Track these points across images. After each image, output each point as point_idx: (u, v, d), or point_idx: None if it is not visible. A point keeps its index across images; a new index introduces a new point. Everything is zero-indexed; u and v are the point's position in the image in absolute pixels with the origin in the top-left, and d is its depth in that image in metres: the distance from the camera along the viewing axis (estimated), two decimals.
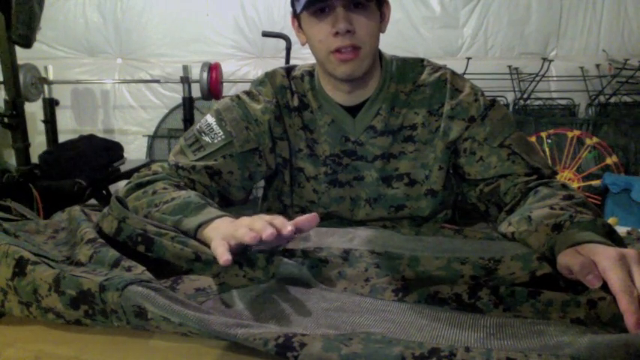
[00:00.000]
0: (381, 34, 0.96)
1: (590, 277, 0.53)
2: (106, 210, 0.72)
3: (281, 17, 3.68)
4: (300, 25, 0.97)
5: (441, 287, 0.59)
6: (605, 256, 0.54)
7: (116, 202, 0.70)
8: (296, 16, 0.97)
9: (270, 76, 1.04)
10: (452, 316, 0.55)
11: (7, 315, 0.60)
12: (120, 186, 3.01)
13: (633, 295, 0.49)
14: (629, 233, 0.82)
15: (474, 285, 0.59)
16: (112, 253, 0.63)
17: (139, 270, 0.61)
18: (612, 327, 0.50)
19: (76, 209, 0.78)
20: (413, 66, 1.02)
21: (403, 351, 0.44)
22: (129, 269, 0.61)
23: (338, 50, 0.90)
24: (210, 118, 0.99)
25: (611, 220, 1.09)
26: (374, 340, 0.47)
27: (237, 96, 1.02)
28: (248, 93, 1.03)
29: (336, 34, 0.88)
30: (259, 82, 1.04)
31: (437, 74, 1.00)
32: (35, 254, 0.60)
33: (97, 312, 0.54)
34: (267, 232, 0.61)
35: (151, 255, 0.67)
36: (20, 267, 0.57)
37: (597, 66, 3.68)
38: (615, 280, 0.51)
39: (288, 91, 1.03)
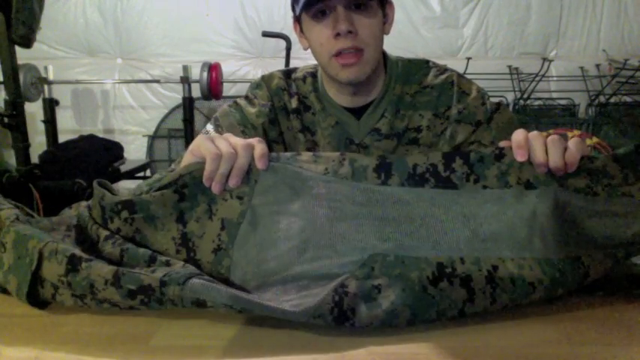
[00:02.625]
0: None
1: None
2: (91, 201, 0.72)
3: (281, 17, 3.68)
4: (302, 29, 0.95)
5: (417, 158, 0.64)
6: (517, 133, 0.66)
7: (96, 185, 0.70)
8: (297, 19, 0.95)
9: (266, 78, 1.03)
10: (433, 199, 0.63)
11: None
12: (120, 186, 3.02)
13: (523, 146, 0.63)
14: None
15: (448, 156, 0.64)
16: (143, 251, 0.64)
17: (180, 264, 0.62)
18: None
19: (83, 205, 0.78)
20: (418, 67, 1.00)
21: (420, 276, 0.58)
22: (168, 264, 0.62)
23: (339, 54, 0.87)
24: (209, 126, 0.98)
25: None
26: (390, 264, 0.59)
27: (235, 102, 1.01)
28: (246, 97, 1.02)
29: (337, 35, 0.86)
30: (255, 86, 1.02)
31: (443, 76, 0.98)
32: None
33: (153, 300, 0.57)
34: (232, 182, 0.64)
35: (137, 216, 0.66)
36: (73, 264, 0.59)
37: (597, 66, 3.68)
38: (513, 139, 0.64)
39: (286, 93, 1.01)
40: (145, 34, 3.78)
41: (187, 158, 0.70)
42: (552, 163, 0.61)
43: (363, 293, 0.57)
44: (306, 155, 0.67)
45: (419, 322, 0.57)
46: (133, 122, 3.85)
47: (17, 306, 0.63)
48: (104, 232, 0.67)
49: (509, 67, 3.67)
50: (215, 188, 0.64)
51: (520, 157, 0.62)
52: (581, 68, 3.67)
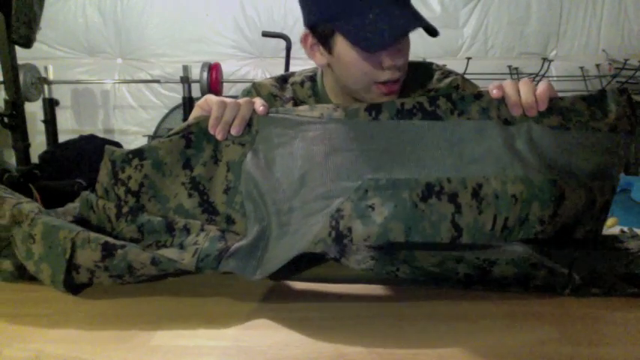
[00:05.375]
0: None
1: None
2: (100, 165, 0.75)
3: (281, 17, 3.68)
4: (326, 46, 0.86)
5: (404, 100, 0.69)
6: (492, 84, 0.73)
7: (107, 146, 0.74)
8: (321, 35, 0.86)
9: (257, 86, 1.01)
10: (420, 128, 0.68)
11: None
12: None
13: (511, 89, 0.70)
14: (622, 231, 0.82)
15: (433, 96, 0.70)
16: (158, 221, 0.68)
17: (198, 226, 0.67)
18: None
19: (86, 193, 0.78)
20: (421, 70, 0.99)
21: (410, 194, 0.63)
22: (187, 230, 0.67)
23: (384, 82, 0.85)
24: None
25: (611, 220, 1.09)
26: (382, 186, 0.64)
27: None
28: None
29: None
30: (246, 93, 1.01)
31: (448, 80, 0.97)
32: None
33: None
34: (234, 131, 0.71)
35: (145, 162, 0.71)
36: (108, 250, 0.63)
37: (597, 66, 3.68)
38: (489, 86, 0.72)
39: (278, 100, 0.99)
40: (145, 34, 3.78)
41: (196, 111, 0.78)
42: (524, 100, 0.68)
43: (358, 213, 0.62)
44: (303, 107, 0.74)
45: (414, 235, 0.62)
46: (133, 122, 3.85)
47: (17, 306, 0.63)
48: (113, 210, 0.70)
49: (509, 67, 3.67)
50: (219, 134, 0.71)
51: (495, 94, 0.69)
52: (581, 68, 3.67)
